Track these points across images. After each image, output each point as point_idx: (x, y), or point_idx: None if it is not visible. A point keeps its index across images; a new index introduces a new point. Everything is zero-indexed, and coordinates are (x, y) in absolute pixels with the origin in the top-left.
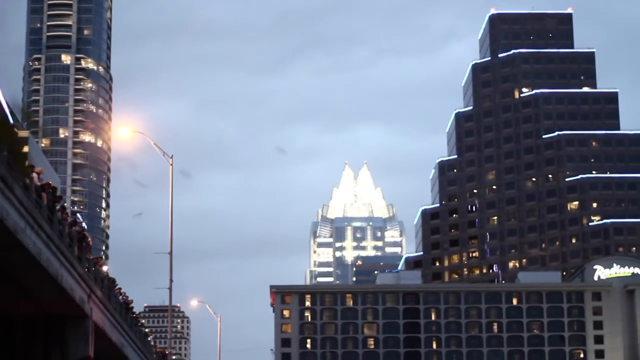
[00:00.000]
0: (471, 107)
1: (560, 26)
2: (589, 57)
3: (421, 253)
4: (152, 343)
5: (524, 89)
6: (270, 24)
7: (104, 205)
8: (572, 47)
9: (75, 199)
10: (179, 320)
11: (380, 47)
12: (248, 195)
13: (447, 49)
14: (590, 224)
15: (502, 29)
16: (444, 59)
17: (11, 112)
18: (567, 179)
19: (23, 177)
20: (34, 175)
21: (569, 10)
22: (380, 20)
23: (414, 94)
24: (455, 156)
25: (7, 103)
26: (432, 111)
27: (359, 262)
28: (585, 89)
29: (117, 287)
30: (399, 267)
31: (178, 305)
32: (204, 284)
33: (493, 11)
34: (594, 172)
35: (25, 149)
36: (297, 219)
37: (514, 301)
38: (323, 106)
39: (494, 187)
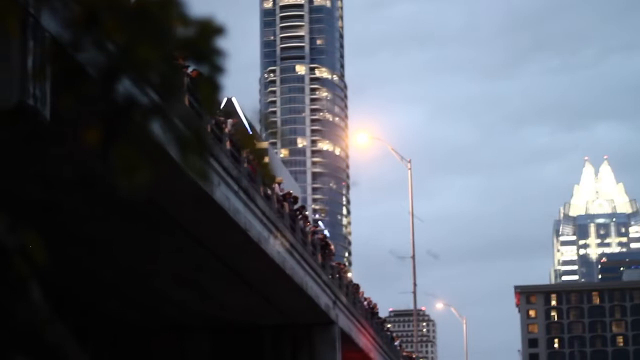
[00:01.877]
0: None
1: None
2: None
3: None
4: (399, 347)
5: None
6: (499, 27)
7: (344, 212)
8: None
9: (316, 207)
10: (424, 323)
11: (610, 44)
12: (487, 197)
13: None
14: None
15: None
16: None
17: (250, 125)
18: None
19: (265, 187)
20: (275, 185)
21: None
22: (607, 18)
23: None
24: None
25: (245, 116)
26: None
27: (604, 259)
28: None
29: (361, 292)
30: None
31: (423, 308)
32: (447, 287)
33: None
34: None
35: (266, 159)
36: (537, 218)
37: None
38: (557, 105)
39: None
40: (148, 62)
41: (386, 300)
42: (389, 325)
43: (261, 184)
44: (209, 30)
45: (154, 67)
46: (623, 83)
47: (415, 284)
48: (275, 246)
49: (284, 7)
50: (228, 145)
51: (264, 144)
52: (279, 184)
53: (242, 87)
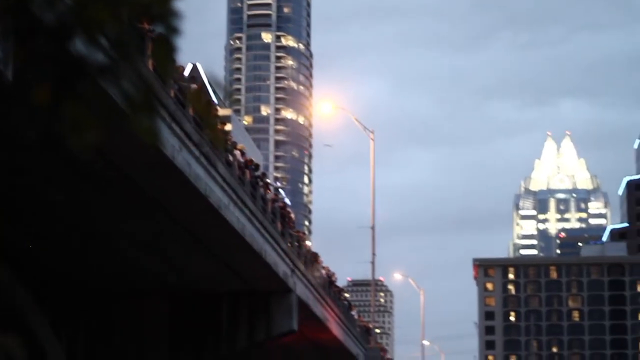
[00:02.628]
0: None
1: None
2: None
3: (626, 224)
4: (356, 317)
5: None
6: (468, 2)
7: (306, 181)
8: None
9: (278, 175)
10: (382, 294)
11: (578, 22)
12: (449, 171)
13: None
14: None
15: None
16: None
17: (213, 91)
18: None
19: (225, 153)
20: (237, 152)
21: None
22: None
23: (614, 68)
24: None
25: (209, 82)
26: (633, 84)
27: (563, 234)
28: None
29: (320, 261)
30: (604, 239)
31: (381, 279)
32: (406, 258)
33: None
34: None
35: (228, 126)
36: (499, 192)
37: None
38: (522, 81)
39: None
40: (101, 22)
41: (345, 270)
42: (346, 295)
43: (223, 150)
44: None
45: (107, 27)
46: (589, 61)
47: (374, 254)
48: (235, 213)
49: None
50: (191, 111)
51: (227, 111)
52: (241, 151)
53: (207, 54)
